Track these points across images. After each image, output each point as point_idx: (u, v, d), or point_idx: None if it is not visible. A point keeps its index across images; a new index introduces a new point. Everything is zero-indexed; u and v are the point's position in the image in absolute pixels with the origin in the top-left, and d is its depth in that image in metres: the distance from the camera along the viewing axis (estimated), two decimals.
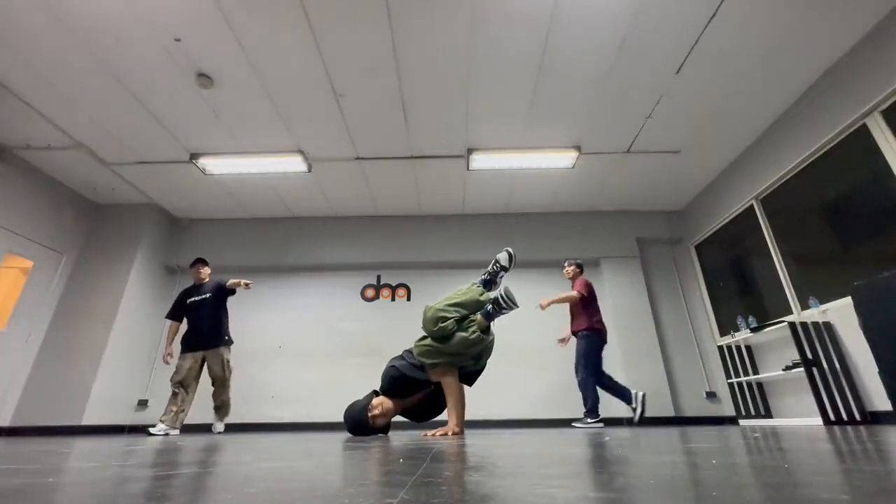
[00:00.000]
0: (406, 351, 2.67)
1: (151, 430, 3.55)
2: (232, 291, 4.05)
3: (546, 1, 2.90)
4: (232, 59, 3.31)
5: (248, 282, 3.95)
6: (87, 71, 3.38)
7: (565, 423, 4.83)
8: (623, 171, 4.89)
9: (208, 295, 4.02)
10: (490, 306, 2.49)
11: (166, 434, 3.54)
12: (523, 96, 3.76)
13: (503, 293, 2.46)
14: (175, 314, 4.06)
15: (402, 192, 5.29)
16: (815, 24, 3.10)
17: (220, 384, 3.90)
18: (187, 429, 4.85)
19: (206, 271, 4.18)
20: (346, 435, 2.70)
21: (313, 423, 4.84)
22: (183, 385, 3.77)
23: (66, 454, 1.34)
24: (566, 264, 4.53)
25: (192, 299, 4.04)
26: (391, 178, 4.98)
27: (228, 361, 3.95)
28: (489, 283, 2.71)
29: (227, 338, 4.00)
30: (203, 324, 3.94)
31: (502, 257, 2.74)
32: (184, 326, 4.04)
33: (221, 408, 3.93)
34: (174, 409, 3.68)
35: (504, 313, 2.49)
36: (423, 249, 5.64)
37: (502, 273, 2.74)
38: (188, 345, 3.89)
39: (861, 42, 3.23)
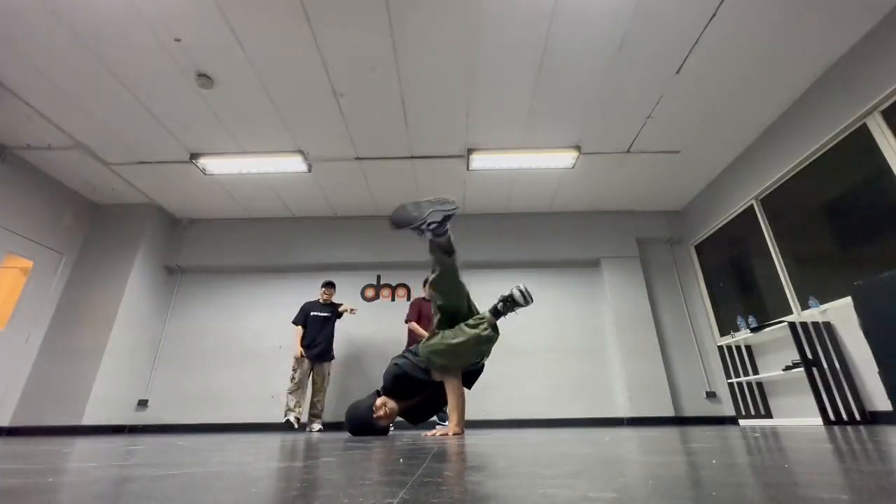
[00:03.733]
0: (407, 350, 2.65)
1: (312, 427, 4.32)
2: (340, 315, 4.73)
3: (546, 1, 2.91)
4: (232, 59, 3.31)
5: (354, 308, 4.70)
6: (88, 71, 3.39)
7: (566, 422, 4.83)
8: (623, 171, 4.89)
9: (328, 314, 4.69)
10: (500, 304, 2.48)
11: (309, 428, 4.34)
12: (523, 96, 3.76)
13: (520, 288, 2.45)
14: (300, 321, 4.66)
15: (402, 192, 5.29)
16: (816, 23, 3.10)
17: (322, 392, 4.52)
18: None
19: (332, 293, 4.84)
20: (347, 435, 2.70)
21: None
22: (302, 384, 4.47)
23: (66, 454, 1.34)
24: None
25: (313, 312, 4.68)
26: (391, 178, 4.98)
27: (329, 374, 4.63)
28: (498, 314, 2.55)
29: (333, 354, 4.69)
30: (321, 338, 4.59)
31: (517, 295, 2.50)
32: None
33: (316, 410, 4.47)
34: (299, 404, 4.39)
35: (515, 310, 2.47)
36: (423, 249, 5.60)
37: (518, 308, 2.55)
38: (309, 353, 4.51)
39: (861, 42, 3.23)
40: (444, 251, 2.44)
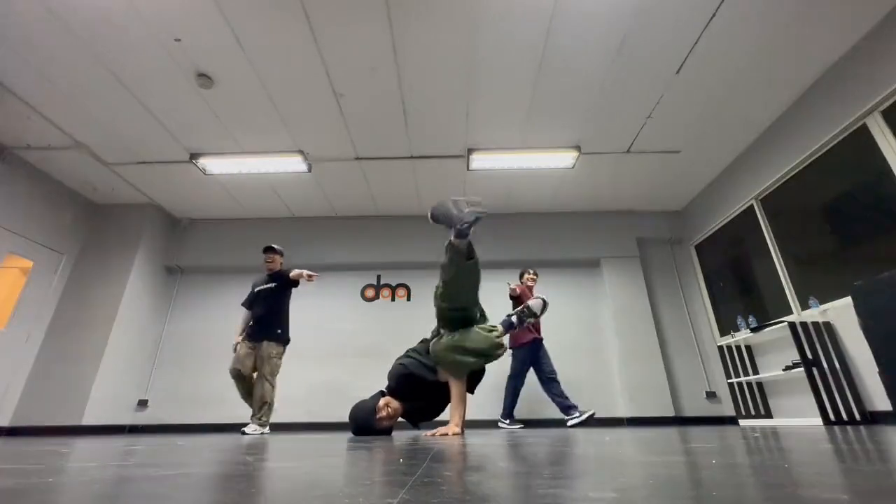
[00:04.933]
0: (412, 350, 2.64)
1: (245, 430, 3.49)
2: (295, 283, 3.88)
3: (546, 1, 2.91)
4: (232, 59, 3.31)
5: (312, 273, 3.76)
6: (88, 71, 3.39)
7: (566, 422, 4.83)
8: (623, 171, 4.89)
9: (272, 284, 3.91)
10: (514, 317, 2.51)
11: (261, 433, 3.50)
12: (523, 96, 3.76)
13: (542, 298, 2.54)
14: (247, 302, 4.01)
15: (402, 192, 5.30)
16: (816, 23, 3.10)
17: (258, 378, 3.69)
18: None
19: (275, 259, 4.03)
20: (347, 435, 2.70)
21: (313, 423, 4.84)
22: (240, 374, 3.65)
23: (66, 454, 1.34)
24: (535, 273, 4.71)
25: (256, 287, 3.98)
26: (391, 178, 4.98)
27: (272, 357, 3.72)
28: (512, 327, 2.64)
29: (279, 332, 3.83)
30: (261, 313, 3.85)
31: (535, 305, 2.63)
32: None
33: (255, 404, 3.65)
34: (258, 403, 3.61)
35: (527, 321, 2.53)
36: (423, 249, 5.64)
37: (531, 320, 2.68)
38: (245, 333, 3.84)
39: (861, 42, 3.23)
40: (464, 254, 2.30)
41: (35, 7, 2.88)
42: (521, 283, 4.59)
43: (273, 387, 3.70)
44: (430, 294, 5.80)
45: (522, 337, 4.26)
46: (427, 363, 2.49)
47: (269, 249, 4.02)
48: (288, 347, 4.07)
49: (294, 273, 3.78)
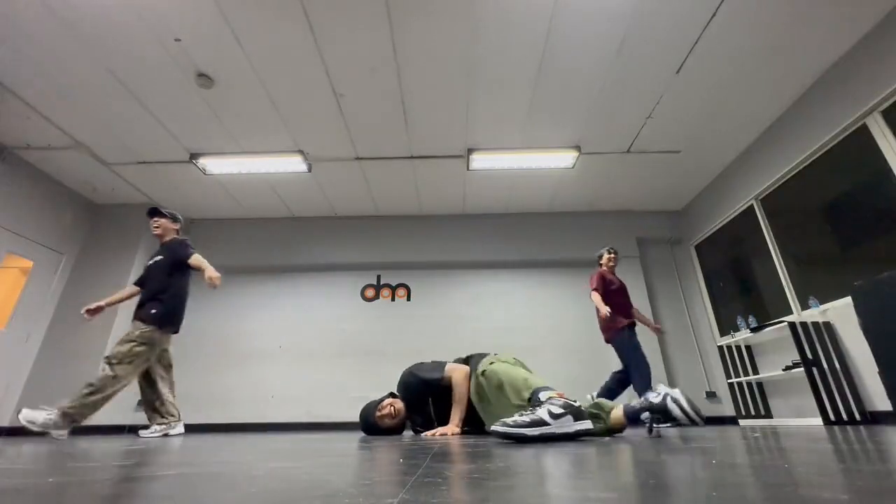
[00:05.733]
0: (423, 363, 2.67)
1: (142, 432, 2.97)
2: (186, 264, 3.13)
3: (546, 1, 2.91)
4: (232, 59, 3.31)
5: (214, 276, 2.96)
6: (88, 71, 3.39)
7: None
8: (623, 171, 4.90)
9: (160, 257, 3.15)
10: (647, 415, 1.75)
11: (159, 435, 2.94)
12: (523, 96, 3.76)
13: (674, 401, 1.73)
14: (139, 280, 3.23)
15: (402, 192, 5.30)
16: (816, 23, 3.10)
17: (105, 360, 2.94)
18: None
19: (160, 224, 3.23)
20: (347, 434, 2.70)
21: (313, 423, 4.84)
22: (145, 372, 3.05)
23: (66, 454, 1.34)
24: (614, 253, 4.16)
25: (149, 262, 3.24)
26: (391, 178, 4.98)
27: (127, 339, 2.87)
28: (639, 422, 1.85)
29: (153, 311, 2.93)
30: (146, 290, 3.07)
31: (675, 402, 1.76)
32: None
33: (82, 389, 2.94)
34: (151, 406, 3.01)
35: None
36: (423, 249, 5.64)
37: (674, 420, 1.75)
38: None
39: (861, 42, 3.23)
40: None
41: (35, 6, 2.88)
42: (600, 266, 4.14)
43: (112, 376, 2.91)
44: (430, 294, 5.78)
45: (617, 323, 3.80)
46: (435, 366, 2.50)
47: (152, 212, 3.24)
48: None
49: (195, 261, 3.06)
